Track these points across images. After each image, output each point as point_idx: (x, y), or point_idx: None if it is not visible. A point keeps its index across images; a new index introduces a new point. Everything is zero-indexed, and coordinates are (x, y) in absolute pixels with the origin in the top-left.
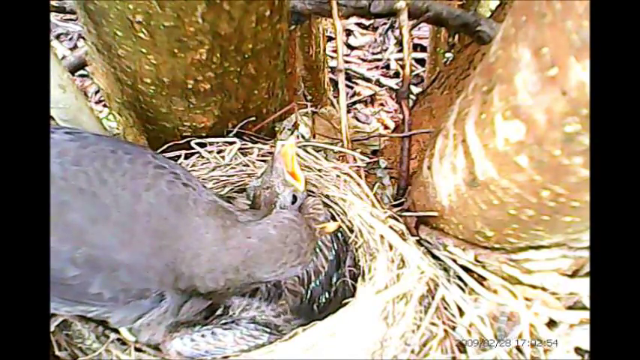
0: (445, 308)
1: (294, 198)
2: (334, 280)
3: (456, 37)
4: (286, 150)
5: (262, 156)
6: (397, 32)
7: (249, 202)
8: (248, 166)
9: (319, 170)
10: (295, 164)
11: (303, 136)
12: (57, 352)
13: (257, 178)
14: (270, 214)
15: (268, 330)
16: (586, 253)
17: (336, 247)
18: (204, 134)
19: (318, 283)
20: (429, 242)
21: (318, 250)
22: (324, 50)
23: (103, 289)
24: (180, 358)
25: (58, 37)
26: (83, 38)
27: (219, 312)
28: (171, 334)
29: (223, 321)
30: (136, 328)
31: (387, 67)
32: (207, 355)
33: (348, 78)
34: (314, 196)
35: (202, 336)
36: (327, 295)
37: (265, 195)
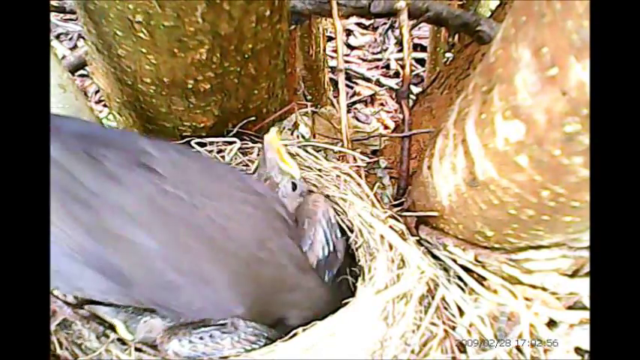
0: (445, 308)
1: (294, 185)
2: (327, 276)
3: (456, 37)
4: (271, 141)
5: None
6: (397, 32)
7: None
8: (248, 166)
9: (319, 170)
10: (283, 152)
11: (303, 136)
12: (58, 351)
13: (252, 174)
14: None
15: (266, 335)
16: (586, 253)
17: (331, 244)
18: (204, 134)
19: None
20: (429, 242)
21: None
22: (324, 50)
23: (195, 299)
24: (178, 358)
25: (58, 37)
26: (83, 38)
27: None
28: (168, 336)
29: (221, 322)
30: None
31: (387, 67)
32: (205, 357)
33: (348, 78)
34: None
35: (200, 338)
36: None
37: (265, 185)
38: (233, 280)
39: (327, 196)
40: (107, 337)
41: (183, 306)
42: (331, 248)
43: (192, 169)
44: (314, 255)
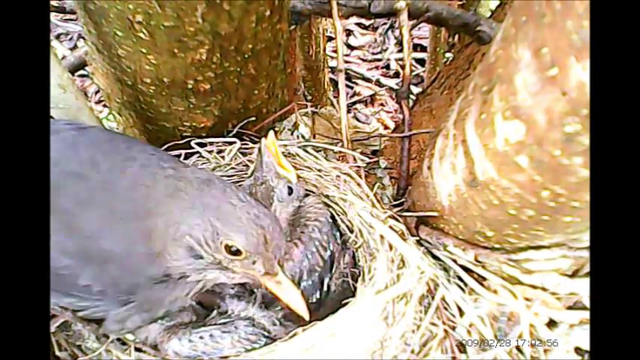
0: (445, 308)
1: (290, 190)
2: (326, 280)
3: (456, 37)
4: (268, 144)
5: None
6: (397, 32)
7: None
8: (248, 166)
9: (319, 170)
10: (281, 156)
11: (303, 136)
12: (57, 353)
13: (248, 177)
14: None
15: (266, 334)
16: (586, 253)
17: (332, 247)
18: (204, 134)
19: (310, 282)
20: (429, 242)
21: (314, 249)
22: (324, 50)
23: (92, 281)
24: (178, 358)
25: (58, 37)
26: (83, 38)
27: (216, 314)
28: (168, 335)
29: (222, 321)
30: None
31: (387, 67)
32: (205, 356)
33: (348, 78)
34: (314, 196)
35: (200, 337)
36: (317, 296)
37: (261, 191)
38: (127, 249)
39: (327, 196)
40: (107, 337)
41: (84, 291)
42: (332, 249)
43: (86, 146)
44: (317, 258)
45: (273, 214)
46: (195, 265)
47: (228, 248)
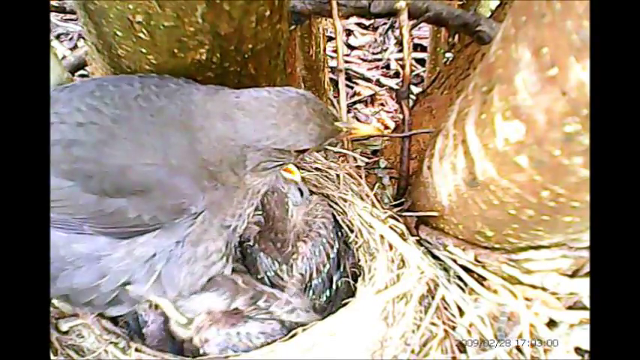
0: (445, 308)
1: (301, 192)
2: (335, 278)
3: (456, 37)
4: None
5: None
6: (397, 32)
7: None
8: None
9: (319, 170)
10: None
11: None
12: (52, 358)
13: None
14: (286, 216)
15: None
16: (586, 253)
17: (337, 245)
18: None
19: (320, 280)
20: (429, 242)
21: (321, 247)
22: (324, 50)
23: (141, 212)
24: (205, 345)
25: (58, 37)
26: (83, 38)
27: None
28: (210, 323)
29: (261, 316)
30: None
31: (387, 67)
32: (230, 350)
33: (348, 78)
34: (316, 194)
35: (237, 333)
36: (327, 294)
37: (274, 199)
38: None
39: (327, 196)
40: (107, 337)
41: (137, 223)
42: (338, 247)
43: (83, 94)
44: (324, 256)
45: (280, 90)
46: (269, 165)
47: (299, 152)
